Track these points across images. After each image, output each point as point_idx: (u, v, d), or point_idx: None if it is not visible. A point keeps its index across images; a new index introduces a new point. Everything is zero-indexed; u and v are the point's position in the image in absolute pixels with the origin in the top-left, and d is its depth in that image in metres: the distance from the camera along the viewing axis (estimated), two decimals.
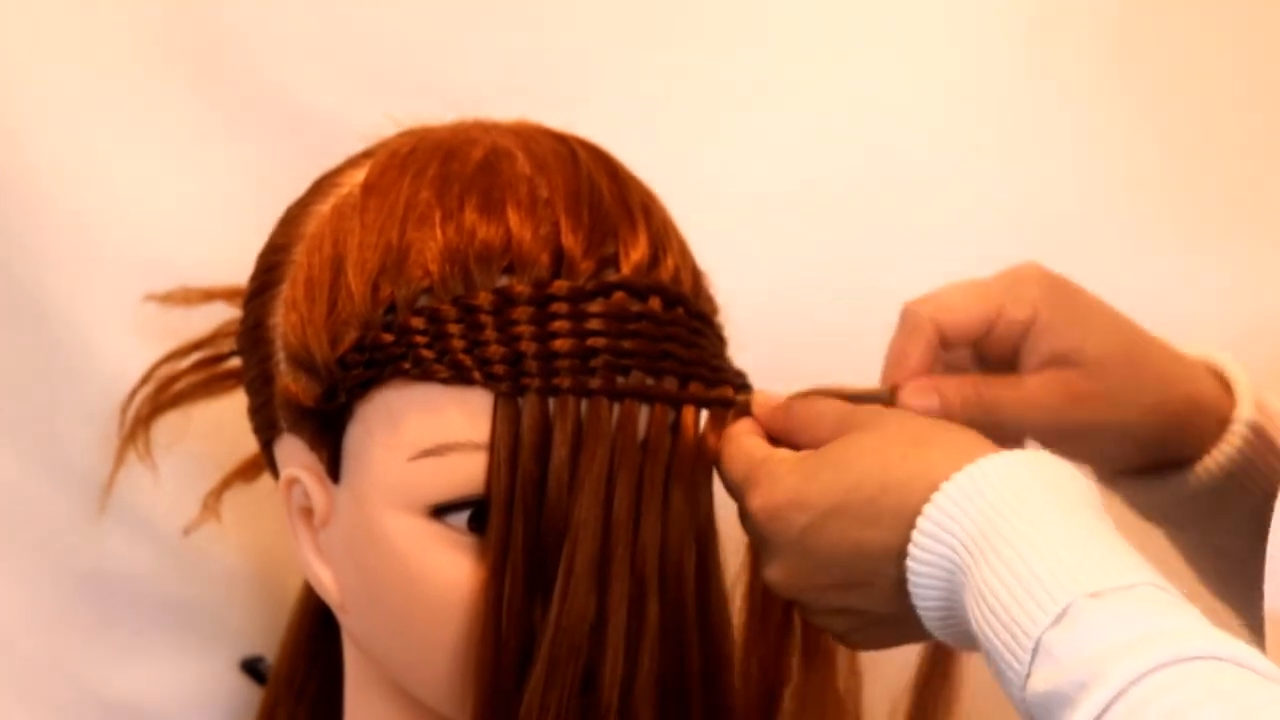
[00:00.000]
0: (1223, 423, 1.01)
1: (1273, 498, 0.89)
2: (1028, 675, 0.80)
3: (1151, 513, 1.04)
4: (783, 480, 0.92)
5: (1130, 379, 0.99)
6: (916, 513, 0.87)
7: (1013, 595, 0.81)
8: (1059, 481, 0.86)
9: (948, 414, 0.96)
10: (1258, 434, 1.00)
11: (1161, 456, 1.01)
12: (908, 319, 0.98)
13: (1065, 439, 0.97)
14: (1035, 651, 0.80)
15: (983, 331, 0.98)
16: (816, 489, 0.90)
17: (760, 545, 0.94)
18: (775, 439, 0.97)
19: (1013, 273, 1.00)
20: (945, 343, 0.98)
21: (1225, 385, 1.02)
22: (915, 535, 0.87)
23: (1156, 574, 0.82)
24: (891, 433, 0.91)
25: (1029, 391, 0.98)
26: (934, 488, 0.87)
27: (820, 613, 0.94)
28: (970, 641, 0.86)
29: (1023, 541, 0.83)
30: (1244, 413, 1.00)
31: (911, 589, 0.88)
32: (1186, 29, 1.26)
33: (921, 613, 0.88)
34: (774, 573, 0.93)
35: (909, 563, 0.87)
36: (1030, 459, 0.87)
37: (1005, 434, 0.95)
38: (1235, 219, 1.27)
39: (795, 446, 0.95)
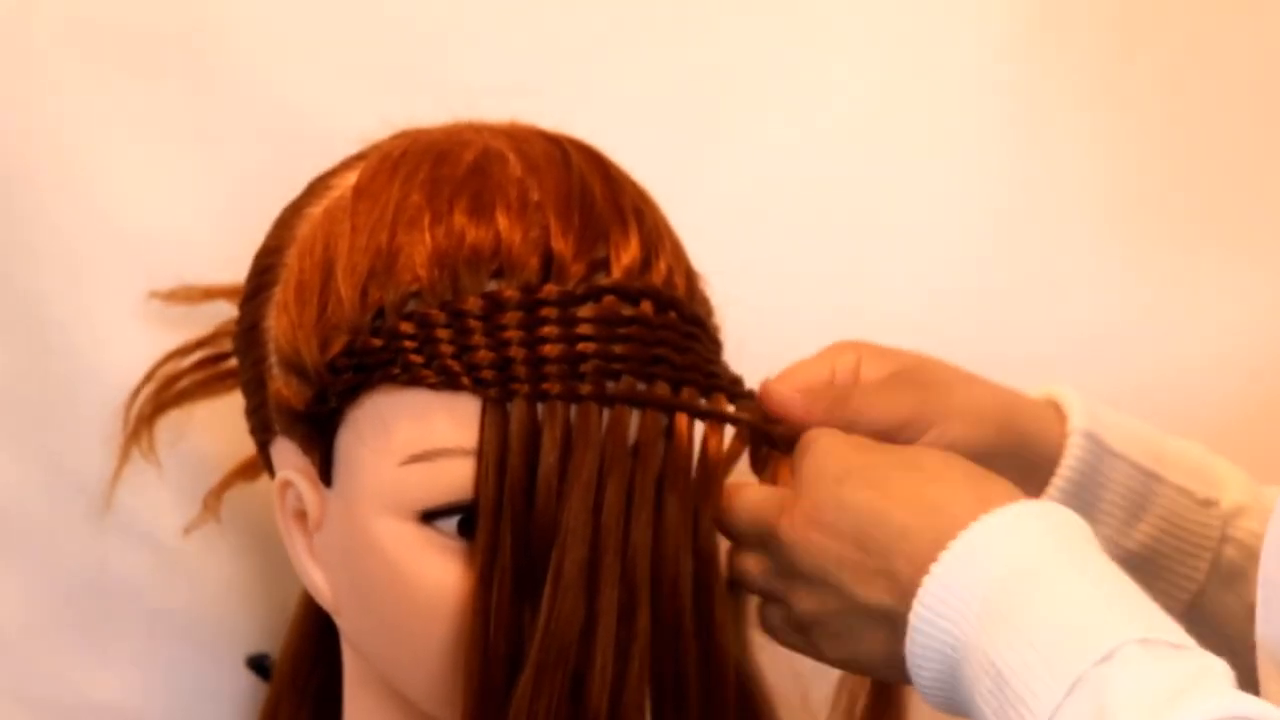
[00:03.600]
0: (1061, 438, 1.03)
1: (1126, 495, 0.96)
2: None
3: None
4: (850, 440, 0.94)
5: (959, 375, 1.02)
6: (960, 524, 0.87)
7: (1055, 627, 0.82)
8: (1085, 533, 0.88)
9: (809, 415, 0.98)
10: (1094, 441, 1.03)
11: (1021, 458, 1.02)
12: (763, 393, 1.00)
13: (926, 425, 0.99)
14: (1076, 683, 0.80)
15: (827, 379, 1.01)
16: (881, 454, 0.93)
17: (793, 487, 0.95)
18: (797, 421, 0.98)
19: (828, 346, 1.03)
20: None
21: (1058, 408, 1.04)
22: (950, 543, 0.87)
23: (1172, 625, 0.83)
24: (945, 458, 0.93)
25: (872, 387, 1.00)
26: (984, 509, 0.87)
27: (802, 578, 0.93)
28: (944, 679, 0.87)
29: (1061, 581, 0.84)
30: (1078, 423, 1.03)
31: (920, 596, 0.87)
32: (1186, 30, 1.25)
33: (916, 623, 0.87)
34: (792, 514, 0.93)
35: (932, 566, 0.87)
36: (1056, 510, 0.88)
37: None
38: (1233, 220, 1.26)
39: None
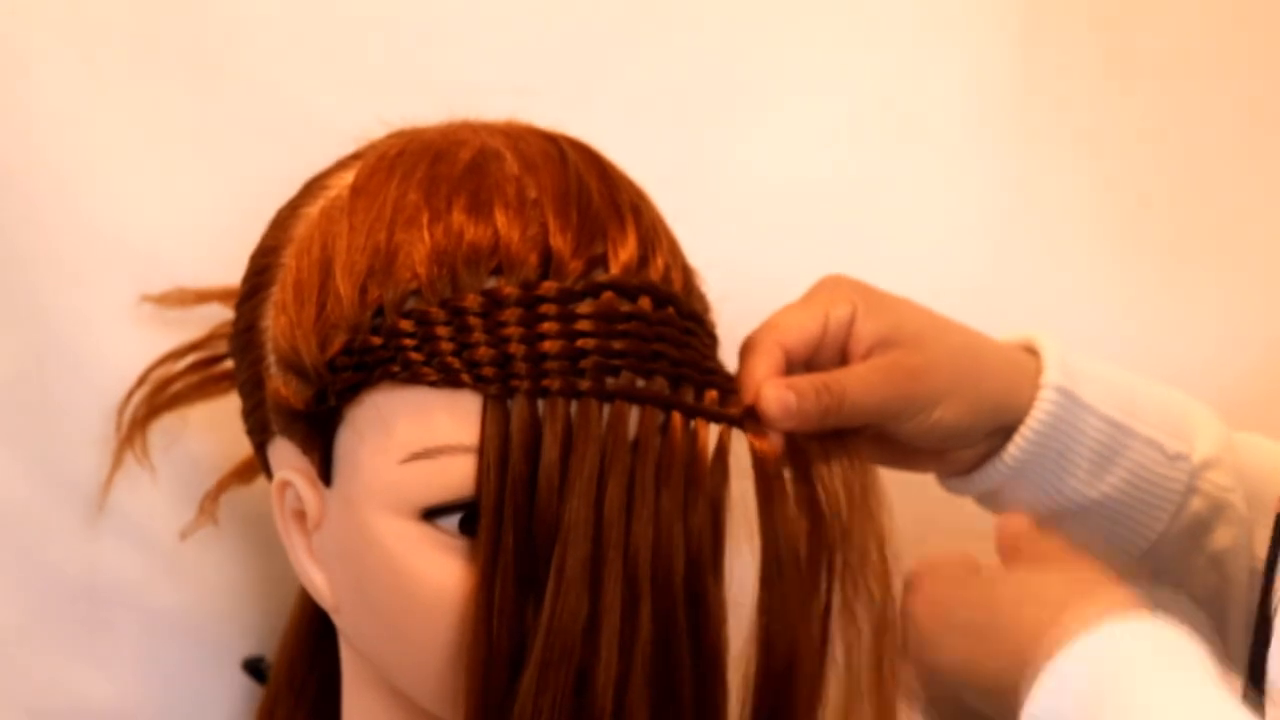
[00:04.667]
0: (1034, 389, 1.05)
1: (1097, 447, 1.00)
2: None
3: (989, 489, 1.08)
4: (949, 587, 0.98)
5: (946, 347, 1.03)
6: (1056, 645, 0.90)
7: None
8: (1174, 649, 0.89)
9: (803, 408, 0.99)
10: (1065, 395, 1.05)
11: (988, 428, 1.04)
12: (749, 345, 1.01)
13: (911, 415, 1.01)
14: None
15: (819, 338, 1.02)
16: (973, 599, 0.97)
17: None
18: None
19: (823, 282, 1.04)
20: (790, 359, 1.01)
21: (1035, 355, 1.06)
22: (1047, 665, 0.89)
23: None
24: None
25: (865, 371, 1.01)
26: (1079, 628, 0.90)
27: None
28: None
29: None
30: (1051, 377, 1.05)
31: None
32: (1181, 31, 1.25)
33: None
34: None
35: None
36: (1140, 628, 0.90)
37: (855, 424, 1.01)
38: (1227, 223, 1.27)
39: None
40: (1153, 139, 1.25)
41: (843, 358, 1.02)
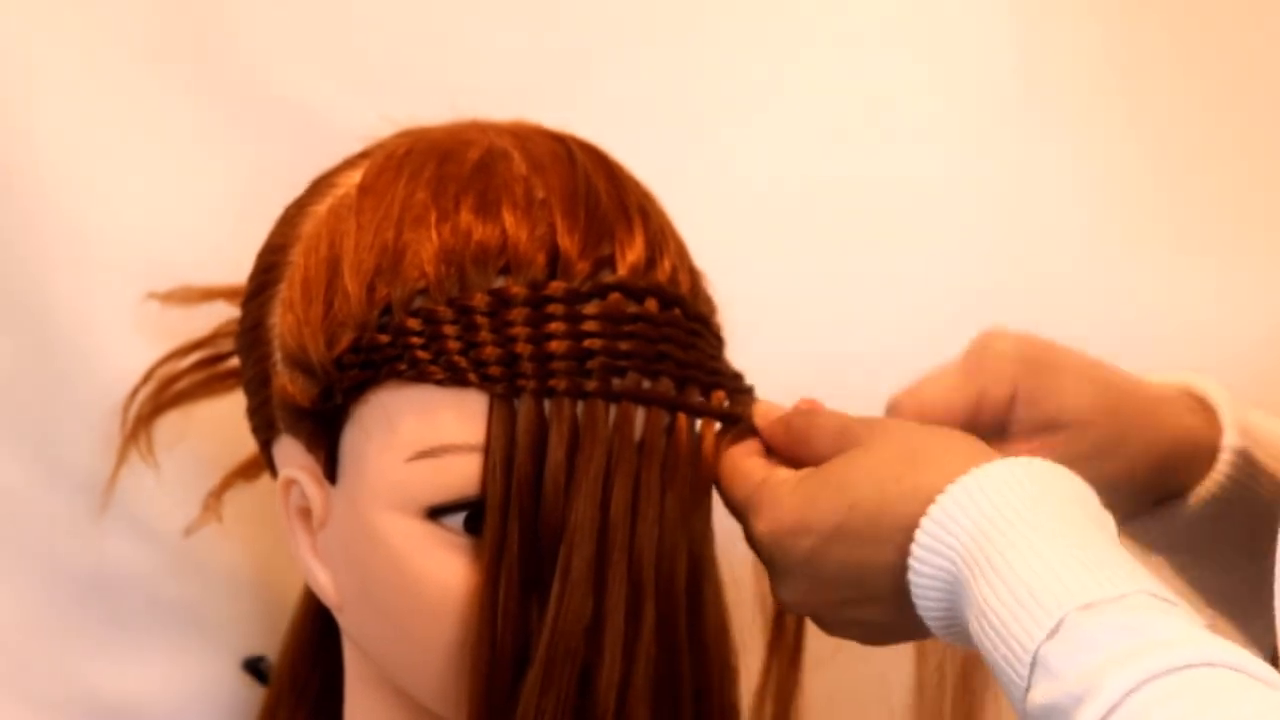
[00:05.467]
0: (1211, 452, 1.02)
1: (1267, 517, 0.91)
2: (1027, 689, 0.80)
3: (1151, 544, 1.05)
4: (783, 504, 0.92)
5: (1114, 432, 1.00)
6: (914, 529, 0.87)
7: (1009, 610, 0.82)
8: (1055, 488, 0.86)
9: None
10: (1244, 459, 1.01)
11: (1155, 496, 1.02)
12: (890, 412, 1.00)
13: None
14: (1033, 665, 0.80)
15: (970, 418, 0.99)
16: (817, 512, 0.91)
17: (769, 566, 0.95)
18: (776, 452, 0.97)
19: (982, 348, 1.01)
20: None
21: (1208, 411, 1.03)
22: (914, 550, 0.87)
23: (1152, 581, 0.82)
24: (888, 450, 0.91)
25: (1025, 450, 0.98)
26: (929, 502, 0.87)
27: (835, 624, 0.94)
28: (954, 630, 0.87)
29: (1015, 554, 0.83)
30: (1230, 440, 1.01)
31: (916, 603, 0.88)
32: (1184, 26, 1.25)
33: (930, 624, 0.89)
34: (785, 593, 0.94)
35: (910, 577, 0.88)
36: (1024, 466, 0.87)
37: None
38: (1232, 219, 1.27)
39: (795, 461, 0.95)
40: (1152, 137, 1.25)
41: (1001, 430, 1.00)
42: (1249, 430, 1.02)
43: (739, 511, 0.96)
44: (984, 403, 1.00)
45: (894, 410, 1.00)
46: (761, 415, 0.98)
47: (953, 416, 0.99)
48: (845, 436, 0.93)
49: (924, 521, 0.87)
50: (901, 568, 0.88)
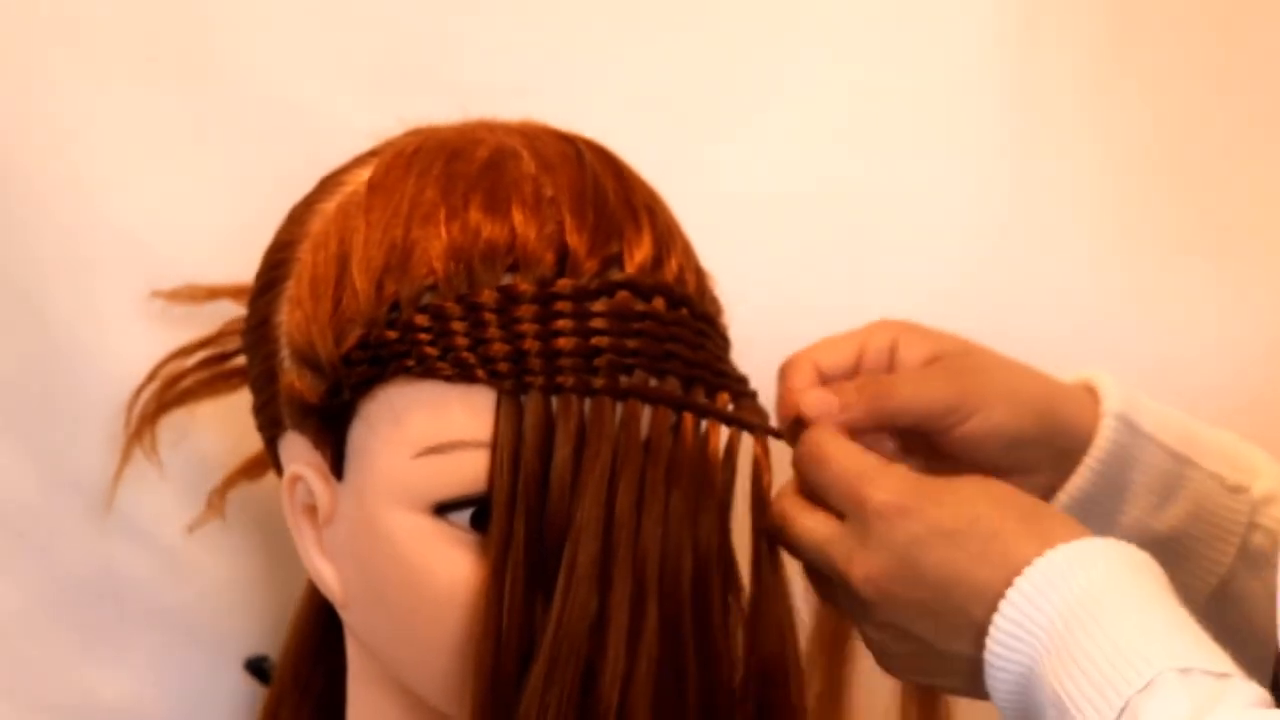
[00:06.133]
0: (1095, 417, 1.04)
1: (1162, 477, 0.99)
2: None
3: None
4: (908, 486, 0.93)
5: (995, 357, 1.03)
6: (1024, 563, 0.89)
7: (1106, 658, 0.84)
8: (1144, 568, 0.90)
9: (849, 412, 0.99)
10: (1126, 423, 1.04)
11: (1055, 435, 1.03)
12: (784, 367, 1.02)
13: (964, 416, 1.00)
14: (1122, 711, 0.83)
15: (854, 360, 1.02)
16: (939, 507, 0.92)
17: (862, 537, 0.94)
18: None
19: (868, 324, 1.04)
20: (823, 376, 1.01)
21: (1092, 389, 1.05)
22: (1017, 580, 0.89)
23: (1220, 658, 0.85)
24: (1004, 494, 0.93)
25: (913, 372, 1.01)
26: (1045, 546, 0.89)
27: (883, 625, 0.95)
28: (1022, 710, 0.89)
29: (1114, 615, 0.86)
30: (1111, 406, 1.04)
31: (992, 633, 0.89)
32: (1182, 26, 1.26)
33: (991, 658, 0.89)
34: (866, 567, 0.94)
35: (1000, 604, 0.89)
36: (1117, 546, 0.90)
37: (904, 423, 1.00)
38: (1231, 221, 1.27)
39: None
40: (1152, 138, 1.25)
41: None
42: (1130, 400, 1.05)
43: (840, 482, 0.97)
44: (867, 349, 1.02)
45: (786, 361, 1.02)
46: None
47: (840, 356, 1.02)
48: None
49: (1036, 561, 0.89)
50: (995, 595, 0.89)
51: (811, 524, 0.97)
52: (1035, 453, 1.02)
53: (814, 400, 1.00)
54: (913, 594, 0.92)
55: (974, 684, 0.91)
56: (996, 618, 0.89)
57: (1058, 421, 1.03)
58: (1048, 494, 1.04)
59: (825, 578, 0.97)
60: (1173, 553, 1.04)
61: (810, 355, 1.02)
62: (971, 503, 0.92)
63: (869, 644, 0.97)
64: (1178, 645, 0.85)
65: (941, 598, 0.91)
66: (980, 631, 0.89)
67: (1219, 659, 0.85)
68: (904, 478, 0.94)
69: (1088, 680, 0.85)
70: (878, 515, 0.93)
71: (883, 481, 0.94)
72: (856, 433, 0.99)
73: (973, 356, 1.03)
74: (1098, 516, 1.04)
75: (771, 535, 0.99)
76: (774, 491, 1.00)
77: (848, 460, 0.96)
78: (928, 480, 0.94)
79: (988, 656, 0.89)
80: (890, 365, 1.03)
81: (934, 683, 0.95)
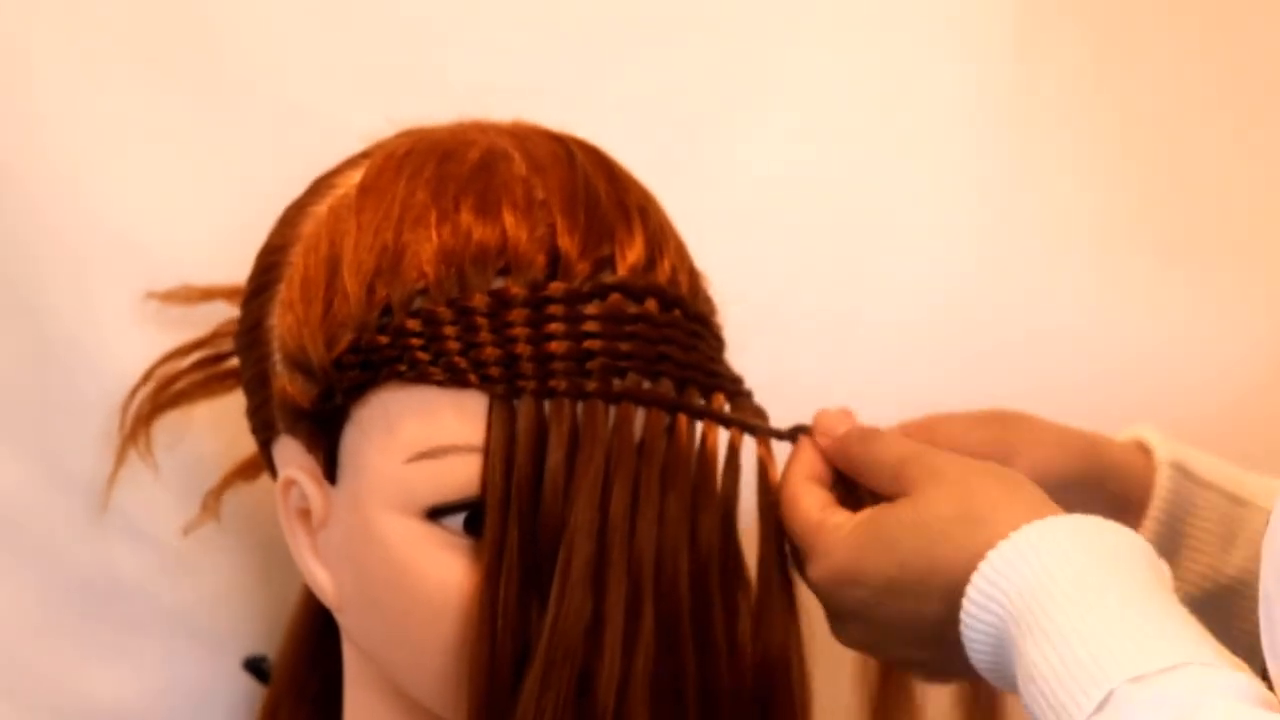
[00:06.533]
0: (1149, 467, 1.04)
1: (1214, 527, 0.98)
2: None
3: None
4: (835, 554, 0.94)
5: (1041, 420, 1.04)
6: (964, 587, 0.88)
7: (1058, 678, 0.82)
8: (1107, 547, 0.87)
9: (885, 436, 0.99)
10: (1181, 470, 1.04)
11: (1103, 482, 1.03)
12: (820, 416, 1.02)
13: (1005, 455, 1.00)
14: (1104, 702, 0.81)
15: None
16: (868, 567, 0.93)
17: (824, 608, 0.96)
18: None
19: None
20: None
21: (1139, 440, 1.06)
22: (964, 608, 0.88)
23: (1208, 645, 0.82)
24: (938, 503, 0.92)
25: (958, 416, 1.02)
26: (979, 558, 0.88)
27: (893, 662, 0.97)
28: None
29: (1064, 617, 0.84)
30: (1164, 454, 1.04)
31: (971, 657, 0.89)
32: (1179, 32, 1.25)
33: (985, 674, 0.89)
34: (841, 634, 0.96)
35: (963, 631, 0.88)
36: (1075, 525, 0.88)
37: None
38: (1229, 228, 1.27)
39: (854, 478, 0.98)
40: (1151, 139, 1.25)
41: None
42: (1180, 449, 1.05)
43: (795, 549, 0.98)
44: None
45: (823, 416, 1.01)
46: (823, 431, 1.00)
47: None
48: (899, 479, 0.94)
49: (972, 584, 0.88)
50: (953, 621, 0.89)
51: (811, 502, 0.97)
52: (1086, 496, 1.01)
53: (853, 437, 1.00)
54: (884, 638, 0.94)
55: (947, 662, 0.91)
56: (964, 632, 0.88)
57: (1105, 467, 1.03)
58: None
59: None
60: (1243, 597, 1.03)
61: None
62: (900, 544, 0.92)
63: (840, 620, 0.96)
64: (1130, 646, 0.82)
65: (910, 635, 0.92)
66: (957, 586, 0.89)
67: (1178, 644, 0.82)
68: (834, 551, 0.94)
69: (1046, 703, 0.82)
70: (821, 592, 0.95)
71: (816, 561, 0.95)
72: None
73: (1016, 413, 1.04)
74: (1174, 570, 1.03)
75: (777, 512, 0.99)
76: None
77: (796, 522, 0.97)
78: (858, 530, 0.94)
79: (965, 603, 0.88)
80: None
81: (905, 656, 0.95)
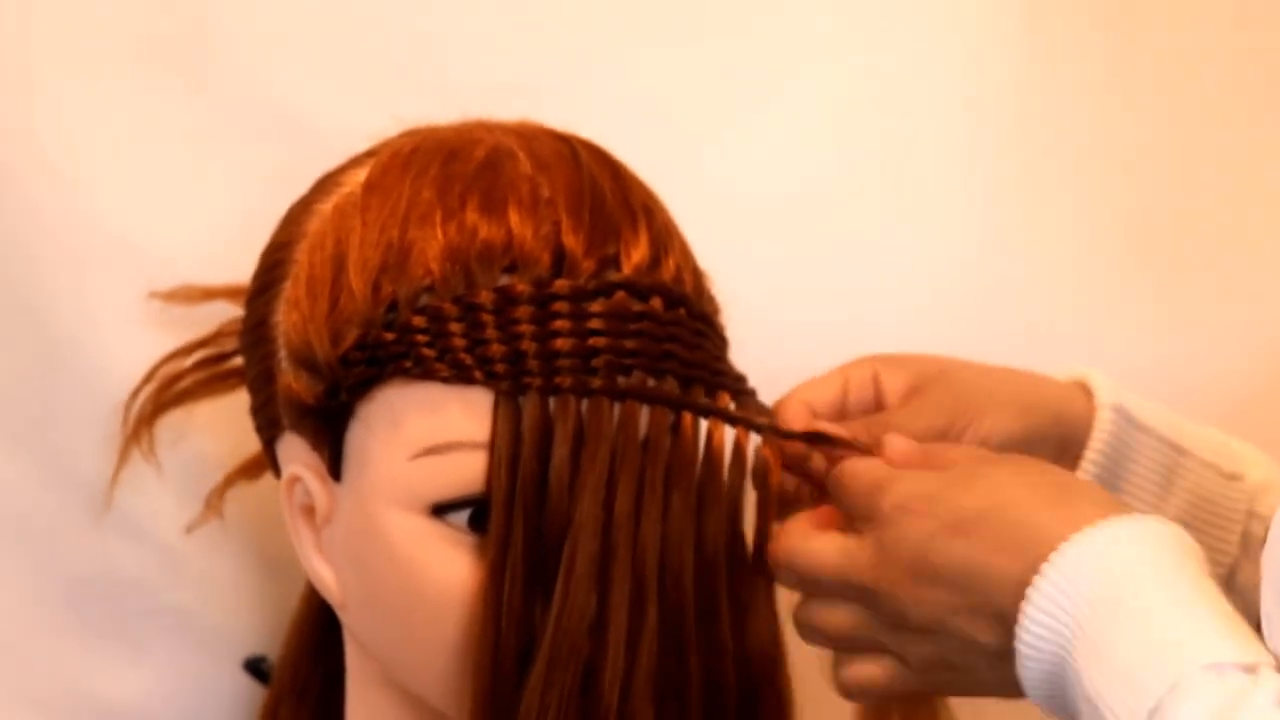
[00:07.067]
0: (1090, 410, 1.04)
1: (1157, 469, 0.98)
2: None
3: None
4: (927, 480, 0.92)
5: (978, 368, 1.03)
6: (1049, 548, 0.86)
7: (1135, 655, 0.82)
8: (1180, 549, 0.87)
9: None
10: (1122, 414, 1.04)
11: (1056, 437, 1.03)
12: (778, 408, 1.01)
13: (961, 428, 1.00)
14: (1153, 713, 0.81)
15: (841, 395, 1.02)
16: (961, 493, 0.91)
17: (878, 545, 0.93)
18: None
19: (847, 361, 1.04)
20: (814, 414, 1.01)
21: (1082, 383, 1.05)
22: (1043, 567, 0.86)
23: (1252, 646, 0.83)
24: (1036, 473, 0.92)
25: (902, 412, 1.01)
26: (1073, 529, 0.87)
27: (916, 631, 0.93)
28: (1057, 707, 0.87)
29: (1144, 605, 0.84)
30: (1106, 398, 1.04)
31: (1022, 623, 0.87)
32: (1183, 29, 1.26)
33: (1022, 648, 0.87)
34: (884, 570, 0.93)
35: (1028, 591, 0.87)
36: (1153, 524, 0.87)
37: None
38: (1231, 227, 1.27)
39: None
40: (1153, 144, 1.25)
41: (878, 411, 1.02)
42: (1122, 393, 1.04)
43: (857, 497, 0.96)
44: (850, 382, 1.02)
45: (778, 403, 1.01)
46: (897, 451, 0.98)
47: (827, 393, 1.01)
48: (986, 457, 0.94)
49: (1061, 548, 0.86)
50: (1020, 582, 0.87)
51: (819, 545, 0.95)
52: (1036, 449, 1.01)
53: (806, 423, 0.99)
54: (935, 593, 0.91)
55: (1008, 677, 0.89)
56: (1025, 606, 0.86)
57: (1051, 416, 1.03)
58: None
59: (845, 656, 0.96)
60: None
61: (800, 395, 1.01)
62: (995, 491, 0.91)
63: (899, 669, 0.95)
64: (1206, 637, 0.82)
65: (964, 591, 0.90)
66: (1009, 622, 0.88)
67: (1251, 647, 0.82)
68: (918, 479, 0.93)
69: (1117, 678, 0.82)
70: (889, 520, 0.92)
71: (895, 486, 0.93)
72: None
73: (953, 374, 1.02)
74: None
75: (778, 575, 0.97)
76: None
77: (864, 469, 0.96)
78: (948, 475, 0.93)
79: (1019, 647, 0.87)
80: (875, 396, 1.03)
81: (968, 686, 0.93)
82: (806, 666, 1.01)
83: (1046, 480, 0.92)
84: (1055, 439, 1.03)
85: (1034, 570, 0.86)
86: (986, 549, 0.89)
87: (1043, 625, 0.86)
